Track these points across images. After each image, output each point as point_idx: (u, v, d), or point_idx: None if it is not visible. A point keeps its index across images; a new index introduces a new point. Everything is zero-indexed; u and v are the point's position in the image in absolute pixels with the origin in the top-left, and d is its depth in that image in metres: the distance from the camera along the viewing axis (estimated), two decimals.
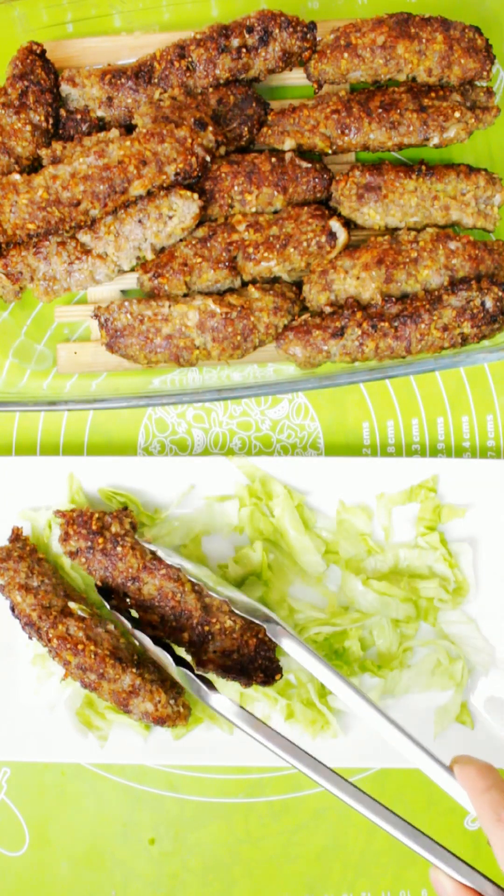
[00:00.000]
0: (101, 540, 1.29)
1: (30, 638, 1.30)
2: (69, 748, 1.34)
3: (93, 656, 1.26)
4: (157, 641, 1.25)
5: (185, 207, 1.32)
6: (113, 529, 1.30)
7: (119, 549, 1.29)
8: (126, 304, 1.34)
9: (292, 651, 1.17)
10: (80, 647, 1.26)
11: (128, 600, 1.29)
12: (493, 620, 1.36)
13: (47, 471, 1.37)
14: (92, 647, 1.26)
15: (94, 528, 1.30)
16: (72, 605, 1.30)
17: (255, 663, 1.26)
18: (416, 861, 1.39)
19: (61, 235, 1.35)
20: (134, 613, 1.29)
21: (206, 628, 1.26)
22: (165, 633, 1.27)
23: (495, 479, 1.37)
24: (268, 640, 1.27)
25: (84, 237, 1.35)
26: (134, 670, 1.27)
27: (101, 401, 1.35)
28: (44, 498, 1.38)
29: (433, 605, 1.35)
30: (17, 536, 1.35)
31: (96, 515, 1.31)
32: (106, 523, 1.31)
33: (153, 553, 1.30)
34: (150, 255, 1.36)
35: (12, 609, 1.30)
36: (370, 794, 1.05)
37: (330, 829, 1.40)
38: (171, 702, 1.27)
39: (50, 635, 1.27)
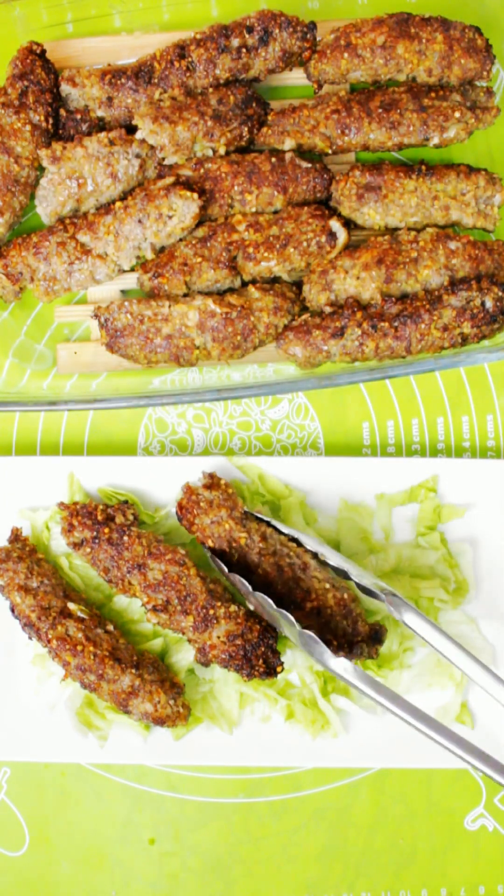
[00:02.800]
0: (106, 530, 1.29)
1: (29, 638, 1.30)
2: (69, 748, 1.34)
3: (92, 657, 1.26)
4: (278, 604, 1.25)
5: (184, 207, 1.32)
6: (118, 520, 1.31)
7: (125, 538, 1.29)
8: (126, 304, 1.34)
9: (414, 625, 1.17)
10: (79, 648, 1.26)
11: (134, 585, 1.29)
12: (493, 620, 1.36)
13: (47, 471, 1.37)
14: (91, 648, 1.26)
15: (99, 518, 1.30)
16: (71, 605, 1.30)
17: (259, 650, 1.25)
18: (417, 861, 1.39)
19: (61, 235, 1.35)
20: (142, 597, 1.29)
21: (212, 612, 1.26)
22: (171, 616, 1.27)
23: (495, 479, 1.37)
24: (271, 629, 1.28)
25: (84, 237, 1.35)
26: (133, 671, 1.27)
27: (101, 401, 1.35)
28: (43, 498, 1.38)
29: (433, 605, 1.35)
30: (16, 537, 1.35)
31: (101, 507, 1.32)
32: (110, 514, 1.31)
33: (158, 539, 1.31)
34: (149, 255, 1.36)
35: (12, 610, 1.30)
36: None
37: (330, 829, 1.40)
38: (171, 702, 1.27)
39: (49, 636, 1.27)
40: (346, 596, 1.27)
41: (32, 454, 1.46)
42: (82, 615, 1.30)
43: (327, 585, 1.27)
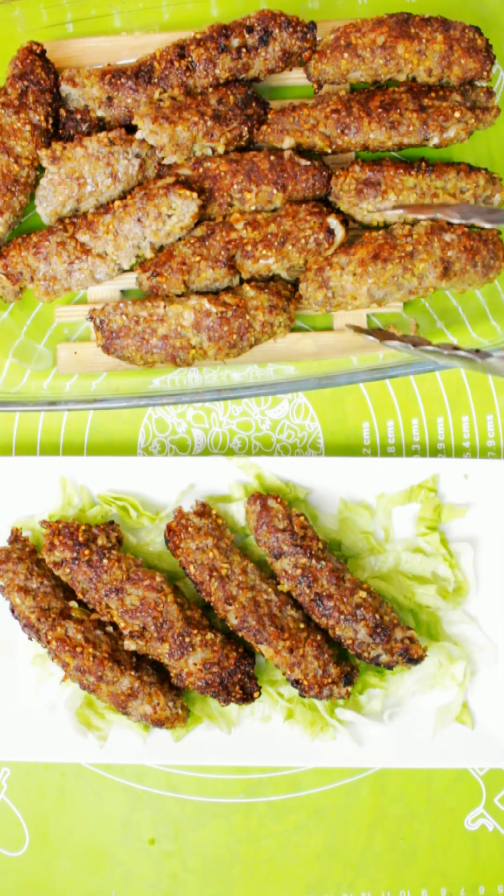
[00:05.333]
0: (86, 552, 1.28)
1: (29, 639, 1.30)
2: (69, 748, 1.34)
3: (91, 658, 1.26)
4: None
5: (183, 206, 1.32)
6: (99, 542, 1.30)
7: (105, 560, 1.28)
8: (121, 305, 1.34)
9: None
10: (78, 649, 1.26)
11: (112, 609, 1.28)
12: (493, 620, 1.36)
13: (47, 471, 1.37)
14: (90, 650, 1.26)
15: (80, 539, 1.29)
16: (71, 604, 1.30)
17: (235, 677, 1.26)
18: (417, 861, 1.39)
19: (61, 235, 1.35)
20: (119, 622, 1.29)
21: (188, 639, 1.25)
22: (147, 642, 1.27)
23: (495, 479, 1.37)
24: (248, 655, 1.28)
25: (84, 237, 1.35)
26: (132, 673, 1.27)
27: (101, 401, 1.35)
28: (43, 498, 1.38)
29: (433, 615, 1.35)
30: (16, 537, 1.35)
31: (83, 527, 1.30)
32: (92, 535, 1.30)
33: (138, 564, 1.30)
34: (149, 254, 1.36)
35: (12, 610, 1.30)
36: None
37: (330, 829, 1.40)
38: (170, 704, 1.27)
39: (49, 637, 1.27)
40: (319, 637, 1.27)
41: (32, 454, 1.46)
42: (82, 616, 1.29)
43: (302, 625, 1.27)
